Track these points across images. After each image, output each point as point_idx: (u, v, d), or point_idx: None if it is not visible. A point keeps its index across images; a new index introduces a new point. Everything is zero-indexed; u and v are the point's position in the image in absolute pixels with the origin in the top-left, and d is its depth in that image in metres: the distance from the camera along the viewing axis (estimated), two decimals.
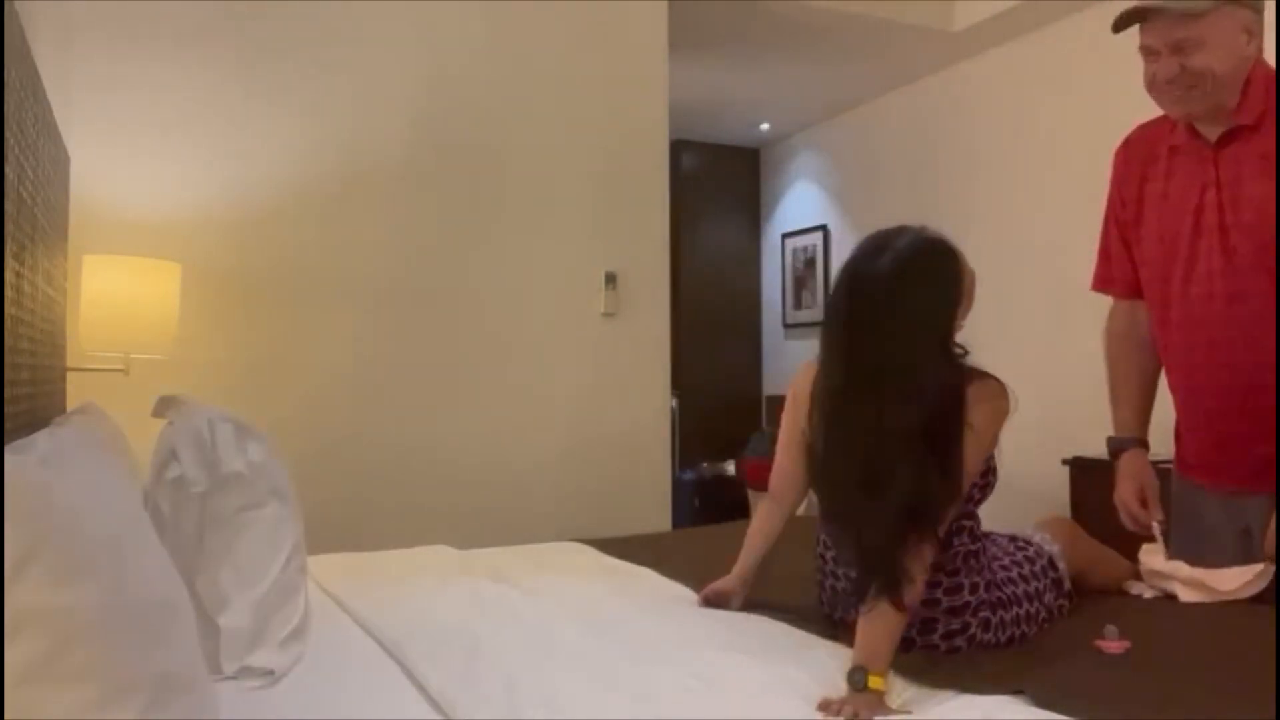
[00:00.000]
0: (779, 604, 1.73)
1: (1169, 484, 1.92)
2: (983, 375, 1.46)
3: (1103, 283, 1.97)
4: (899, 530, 1.35)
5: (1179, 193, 1.73)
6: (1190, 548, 1.84)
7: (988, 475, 1.55)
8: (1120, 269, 1.90)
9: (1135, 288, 1.89)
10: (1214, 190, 1.67)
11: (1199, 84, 1.61)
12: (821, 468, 1.50)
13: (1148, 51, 1.65)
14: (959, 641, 1.50)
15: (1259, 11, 1.61)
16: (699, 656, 1.43)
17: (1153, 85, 1.68)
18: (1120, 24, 1.65)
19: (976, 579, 1.51)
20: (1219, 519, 1.78)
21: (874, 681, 1.27)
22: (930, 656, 1.46)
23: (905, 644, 1.47)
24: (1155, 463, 1.94)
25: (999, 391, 1.46)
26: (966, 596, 1.50)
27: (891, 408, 1.38)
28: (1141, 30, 1.65)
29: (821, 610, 1.68)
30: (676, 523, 3.53)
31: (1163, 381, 1.89)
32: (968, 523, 1.54)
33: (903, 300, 1.41)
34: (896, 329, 1.41)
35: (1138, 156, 1.84)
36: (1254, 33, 1.60)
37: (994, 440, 1.48)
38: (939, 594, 1.48)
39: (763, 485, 5.39)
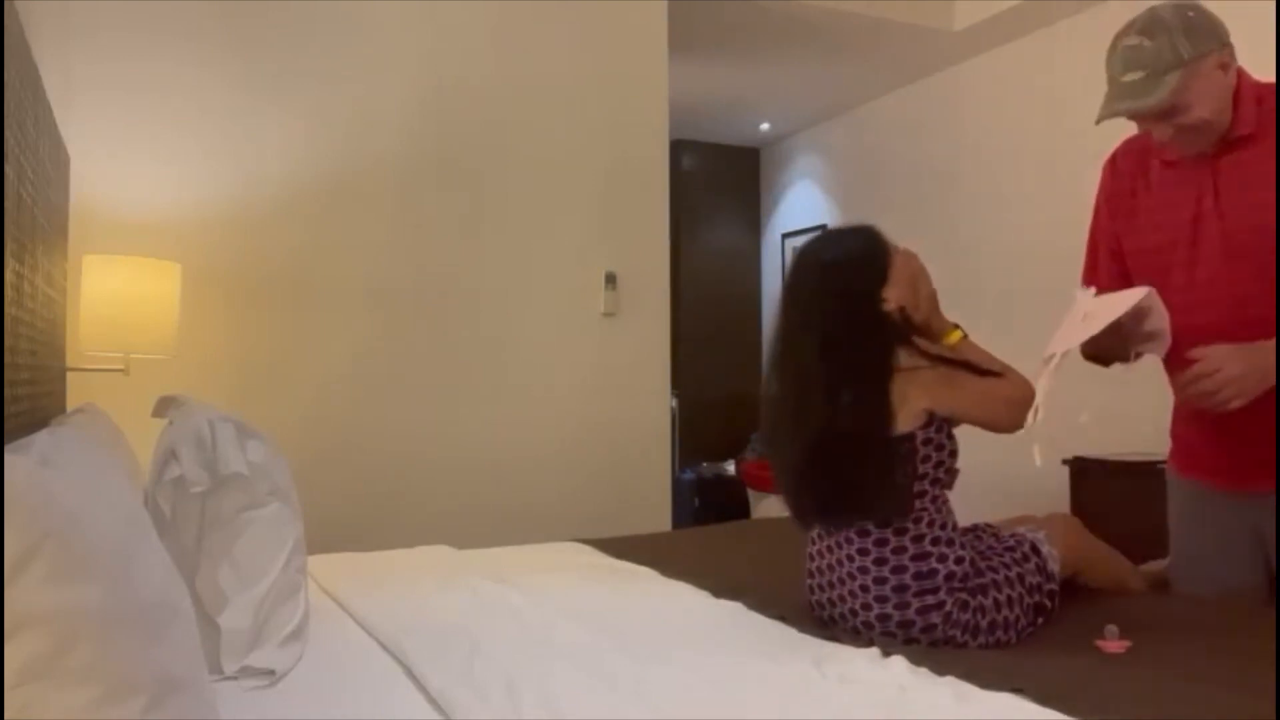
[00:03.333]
0: (777, 604, 1.74)
1: (1164, 486, 1.90)
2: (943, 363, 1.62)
3: None
4: (818, 444, 1.58)
5: (1174, 203, 1.72)
6: (1195, 550, 1.83)
7: (942, 454, 1.60)
8: (1109, 284, 1.83)
9: None
10: (1211, 198, 1.66)
11: (1197, 135, 1.63)
12: (765, 408, 1.74)
13: (1134, 119, 1.66)
14: (934, 618, 1.54)
15: (1226, 42, 1.61)
16: (699, 656, 1.43)
17: (1153, 140, 1.69)
18: (1101, 120, 1.65)
19: (946, 550, 1.56)
20: (1228, 520, 1.76)
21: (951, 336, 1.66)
22: (926, 651, 1.46)
23: (881, 619, 1.56)
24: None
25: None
26: (934, 564, 1.55)
27: (810, 346, 1.63)
28: None
29: (811, 612, 1.70)
30: (676, 523, 3.53)
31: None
32: (931, 488, 1.59)
33: (829, 269, 1.67)
34: (824, 291, 1.66)
35: (1126, 170, 1.83)
36: (1228, 64, 1.61)
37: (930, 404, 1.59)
38: (906, 560, 1.55)
39: (762, 485, 5.41)
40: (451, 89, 3.13)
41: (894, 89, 4.93)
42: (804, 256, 1.71)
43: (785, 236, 5.84)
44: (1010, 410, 1.60)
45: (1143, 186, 1.79)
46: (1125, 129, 1.87)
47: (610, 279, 3.35)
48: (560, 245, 3.29)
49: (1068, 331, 1.62)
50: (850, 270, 1.65)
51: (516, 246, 3.22)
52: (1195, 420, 1.82)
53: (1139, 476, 3.04)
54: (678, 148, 5.28)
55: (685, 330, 5.48)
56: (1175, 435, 1.90)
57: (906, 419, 1.57)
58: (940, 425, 1.60)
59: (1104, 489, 3.21)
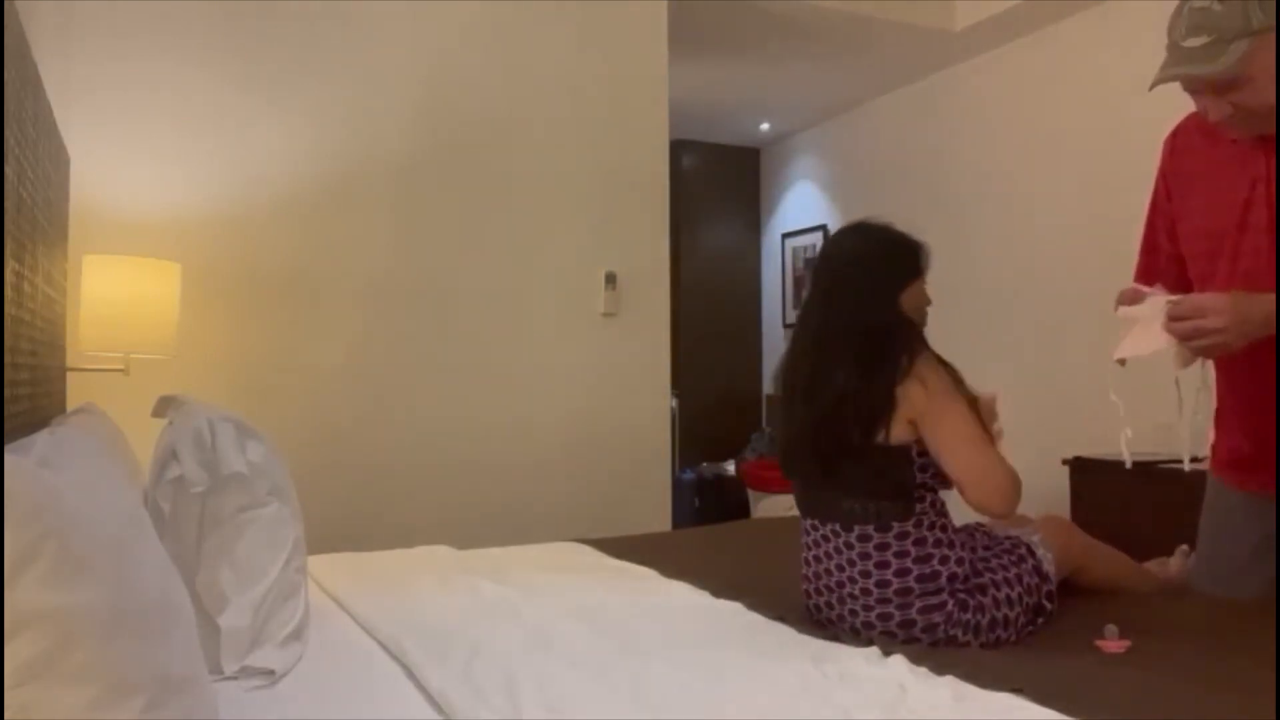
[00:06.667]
0: (777, 604, 1.74)
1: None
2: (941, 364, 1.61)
3: (1145, 275, 1.83)
4: (836, 414, 1.58)
5: (1231, 183, 1.63)
6: (1208, 545, 1.82)
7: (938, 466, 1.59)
8: (1168, 265, 1.78)
9: (1183, 284, 1.75)
10: (1263, 185, 1.58)
11: (1255, 118, 1.52)
12: (781, 375, 1.75)
13: (1191, 90, 1.56)
14: (936, 617, 1.55)
15: None
16: (699, 656, 1.43)
17: (1207, 118, 1.58)
18: (1156, 85, 1.55)
19: (947, 552, 1.58)
20: (1243, 519, 1.74)
21: None
22: (926, 651, 1.46)
23: (883, 618, 1.57)
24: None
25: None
26: (936, 566, 1.57)
27: (833, 317, 1.66)
28: None
29: (808, 615, 1.70)
30: (676, 523, 3.53)
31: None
32: (929, 494, 1.60)
33: (859, 256, 1.71)
34: (850, 275, 1.69)
35: (1187, 147, 1.73)
36: None
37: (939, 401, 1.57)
38: (909, 563, 1.57)
39: (762, 485, 5.40)
40: (451, 89, 3.13)
41: (894, 89, 4.93)
42: (851, 228, 1.76)
43: (785, 236, 5.84)
44: (1006, 498, 1.57)
45: (1204, 163, 1.69)
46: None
47: (610, 279, 3.35)
48: (560, 245, 3.29)
49: (1139, 338, 1.56)
50: (901, 248, 1.72)
51: (516, 246, 3.22)
52: (1229, 419, 1.76)
53: (1139, 476, 3.04)
54: (678, 148, 5.28)
55: (685, 330, 5.47)
56: (1224, 445, 1.81)
57: (899, 428, 1.56)
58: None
59: (1104, 489, 3.21)
